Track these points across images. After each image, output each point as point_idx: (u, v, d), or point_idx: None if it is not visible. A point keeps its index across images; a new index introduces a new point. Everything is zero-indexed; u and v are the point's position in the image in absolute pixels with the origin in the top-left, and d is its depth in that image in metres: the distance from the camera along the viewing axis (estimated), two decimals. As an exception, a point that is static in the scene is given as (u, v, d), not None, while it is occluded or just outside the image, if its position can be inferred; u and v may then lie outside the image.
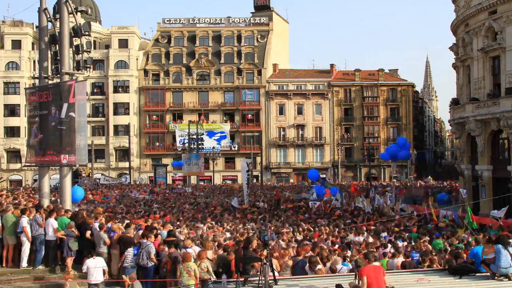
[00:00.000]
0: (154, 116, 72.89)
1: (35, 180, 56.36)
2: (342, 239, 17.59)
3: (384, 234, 19.07)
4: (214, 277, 11.56)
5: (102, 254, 13.46)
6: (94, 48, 69.44)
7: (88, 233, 13.99)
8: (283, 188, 52.05)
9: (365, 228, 20.31)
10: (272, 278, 10.49)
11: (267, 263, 10.16)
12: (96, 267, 12.21)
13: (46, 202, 17.54)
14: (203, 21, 77.80)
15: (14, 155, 69.75)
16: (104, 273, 12.47)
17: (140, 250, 12.63)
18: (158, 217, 22.89)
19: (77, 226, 14.24)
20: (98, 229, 14.02)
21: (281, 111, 72.18)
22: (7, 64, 70.56)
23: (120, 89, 71.76)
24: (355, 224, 21.56)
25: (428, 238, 17.24)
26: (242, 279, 10.69)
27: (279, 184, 61.95)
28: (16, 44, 70.75)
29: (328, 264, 12.48)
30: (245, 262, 11.19)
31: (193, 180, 59.15)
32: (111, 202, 34.31)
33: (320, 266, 12.13)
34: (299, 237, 18.19)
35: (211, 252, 12.93)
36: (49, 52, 17.94)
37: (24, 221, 13.94)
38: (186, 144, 62.66)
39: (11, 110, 69.76)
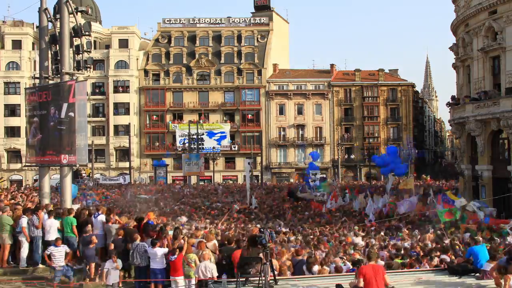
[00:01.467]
0: (154, 116, 72.91)
1: (35, 180, 56.37)
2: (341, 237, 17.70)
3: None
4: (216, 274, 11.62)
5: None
6: (95, 48, 69.46)
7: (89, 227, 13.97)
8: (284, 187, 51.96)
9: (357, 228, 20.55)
10: (272, 278, 10.51)
11: (267, 263, 10.17)
12: (112, 268, 12.48)
13: (46, 202, 17.54)
14: (203, 21, 77.81)
15: (14, 155, 69.75)
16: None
17: (132, 251, 12.64)
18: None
19: (79, 225, 14.28)
20: (106, 222, 14.18)
21: (281, 111, 72.20)
22: (7, 64, 70.56)
23: (120, 89, 71.79)
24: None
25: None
26: (243, 279, 10.70)
27: (283, 184, 61.60)
28: (17, 44, 70.75)
29: (333, 265, 12.52)
30: (246, 262, 11.21)
31: (193, 180, 59.18)
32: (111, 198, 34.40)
33: (316, 267, 12.16)
34: (299, 237, 18.26)
35: (212, 243, 13.03)
36: (49, 52, 17.93)
37: (24, 221, 14.00)
38: (186, 144, 62.73)
39: (11, 110, 69.77)
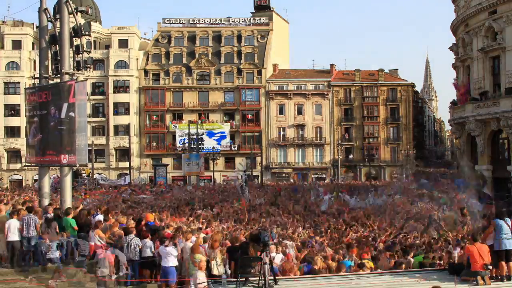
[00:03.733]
0: (154, 116, 72.90)
1: (35, 180, 56.30)
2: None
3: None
4: (223, 272, 11.62)
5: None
6: (94, 48, 69.36)
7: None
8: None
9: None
10: (272, 278, 10.50)
11: (267, 263, 10.17)
12: None
13: (46, 202, 17.54)
14: (203, 21, 77.81)
15: (14, 155, 69.74)
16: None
17: (126, 244, 12.52)
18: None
19: (79, 225, 14.26)
20: (104, 222, 14.14)
21: (281, 111, 72.19)
22: (7, 64, 70.55)
23: (120, 89, 71.80)
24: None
25: None
26: (243, 279, 10.70)
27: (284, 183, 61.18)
28: (17, 44, 70.74)
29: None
30: (246, 262, 11.20)
31: (193, 180, 59.09)
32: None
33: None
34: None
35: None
36: (49, 52, 17.93)
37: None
38: (186, 144, 62.70)
39: (11, 110, 69.77)
